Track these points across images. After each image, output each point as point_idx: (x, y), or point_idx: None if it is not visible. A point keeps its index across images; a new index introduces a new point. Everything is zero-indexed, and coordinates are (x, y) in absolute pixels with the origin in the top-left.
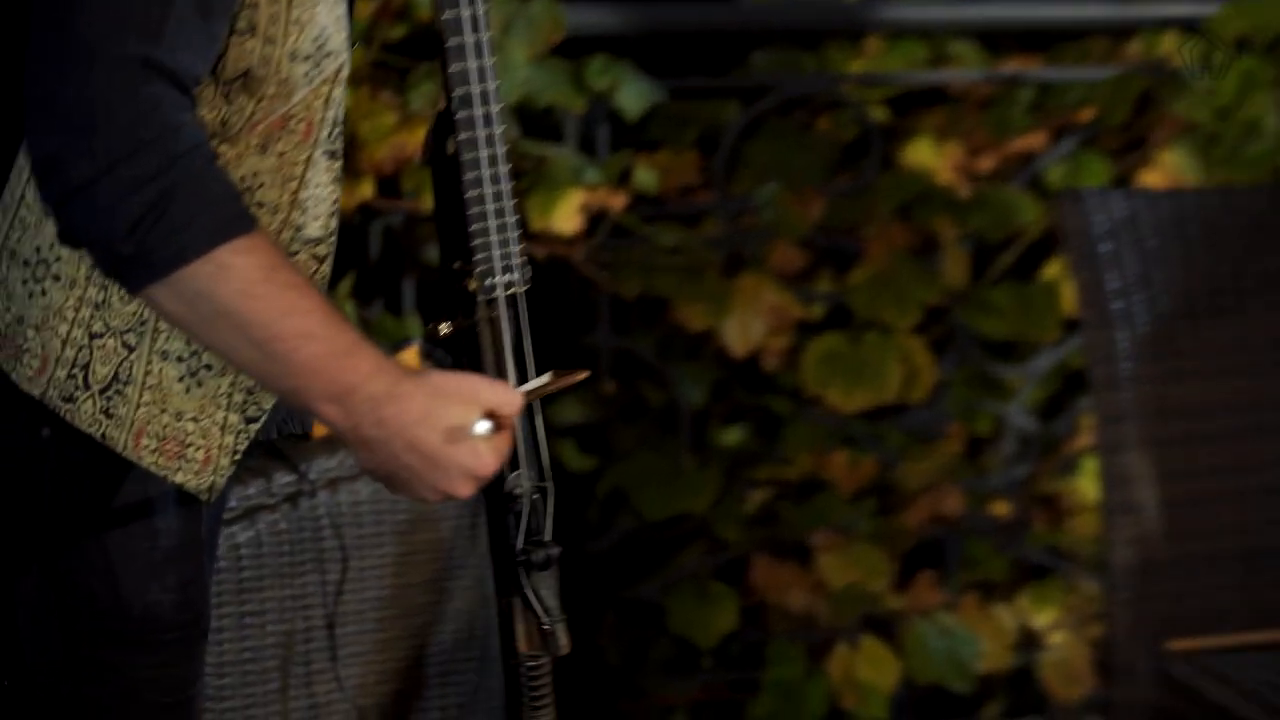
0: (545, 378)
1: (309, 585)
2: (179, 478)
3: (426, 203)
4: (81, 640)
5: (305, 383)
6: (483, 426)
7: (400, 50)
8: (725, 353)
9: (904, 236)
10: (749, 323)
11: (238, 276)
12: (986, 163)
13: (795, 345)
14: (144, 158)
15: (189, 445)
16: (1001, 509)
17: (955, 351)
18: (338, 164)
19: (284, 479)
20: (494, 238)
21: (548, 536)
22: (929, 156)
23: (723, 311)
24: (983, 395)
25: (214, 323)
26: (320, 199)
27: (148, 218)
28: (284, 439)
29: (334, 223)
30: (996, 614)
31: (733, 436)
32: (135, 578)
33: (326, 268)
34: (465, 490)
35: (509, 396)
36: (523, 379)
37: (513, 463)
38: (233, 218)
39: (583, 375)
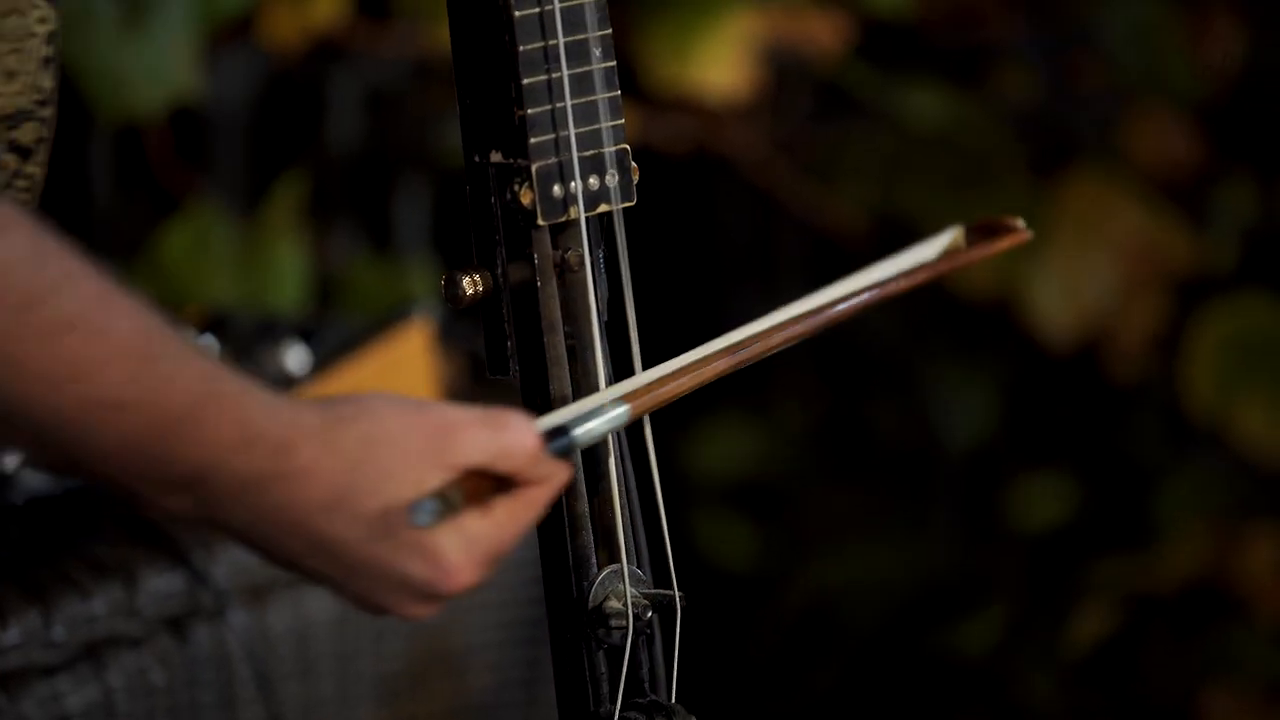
0: (665, 371)
1: None
2: None
3: (438, 37)
4: None
5: (120, 469)
6: (428, 508)
7: None
8: (1029, 339)
9: None
10: (1081, 283)
11: None
12: None
13: (1174, 325)
14: None
15: None
16: None
17: None
18: None
19: (162, 587)
20: (569, 105)
21: (670, 696)
22: None
23: (1029, 262)
24: None
25: None
26: (14, 36)
27: None
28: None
29: (48, 78)
30: None
31: (1045, 504)
32: None
33: (35, 170)
34: (418, 612)
35: (525, 439)
36: (620, 375)
37: (594, 553)
38: None
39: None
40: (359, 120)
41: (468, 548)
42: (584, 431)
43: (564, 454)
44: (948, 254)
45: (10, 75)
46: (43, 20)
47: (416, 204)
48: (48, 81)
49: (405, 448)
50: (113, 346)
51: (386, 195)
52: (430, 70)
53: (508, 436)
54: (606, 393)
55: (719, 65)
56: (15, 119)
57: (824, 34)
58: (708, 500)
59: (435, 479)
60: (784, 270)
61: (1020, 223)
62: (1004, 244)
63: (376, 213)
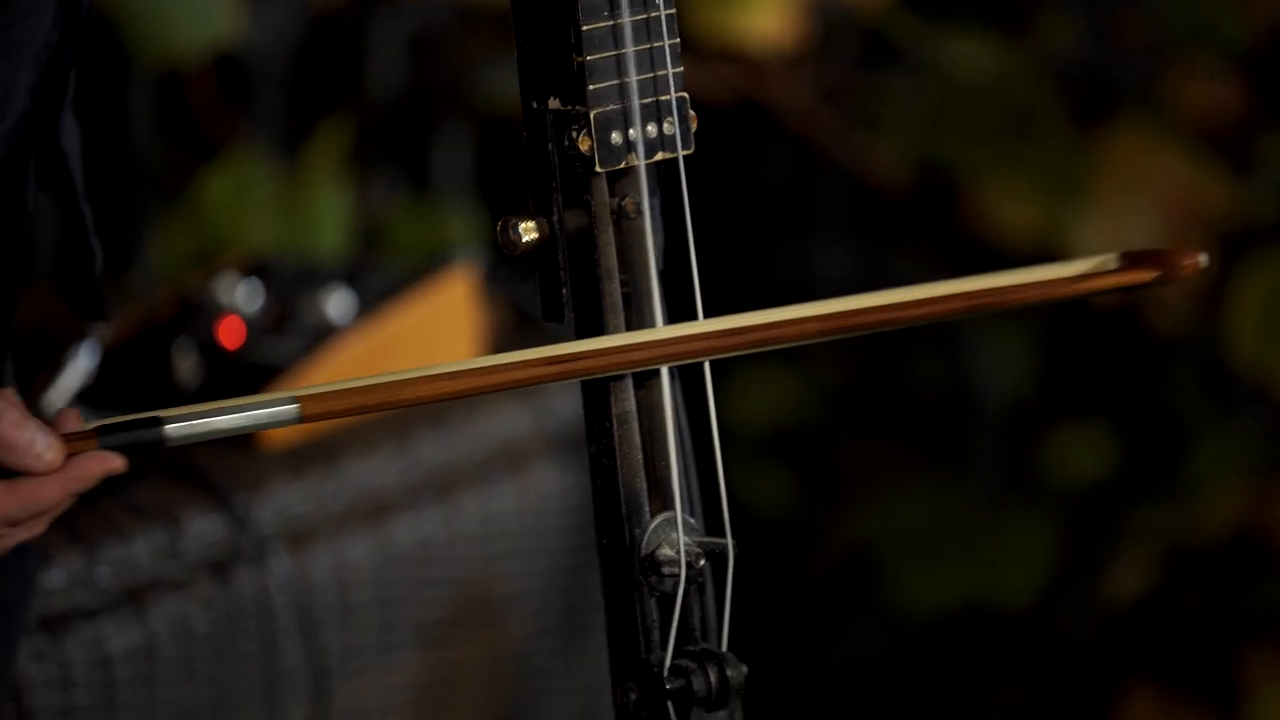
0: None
1: None
2: None
3: None
4: None
5: None
6: None
7: None
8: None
9: None
10: (1123, 234)
11: None
12: None
13: (1216, 277)
14: None
15: None
16: None
17: None
18: None
19: (205, 529)
20: (630, 52)
21: (722, 645)
22: None
23: (1071, 212)
24: None
25: None
26: None
27: None
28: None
29: None
30: None
31: (1083, 456)
32: None
33: None
34: None
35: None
36: (684, 313)
37: (647, 501)
38: None
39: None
40: (400, 65)
41: None
42: (116, 439)
43: (120, 449)
44: (1098, 273)
45: None
46: None
47: (458, 150)
48: None
49: None
50: None
51: (427, 141)
52: (472, 15)
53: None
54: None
55: (762, 13)
56: None
57: None
58: (747, 449)
59: None
60: (826, 220)
61: (1202, 258)
62: (1181, 269)
63: (418, 159)
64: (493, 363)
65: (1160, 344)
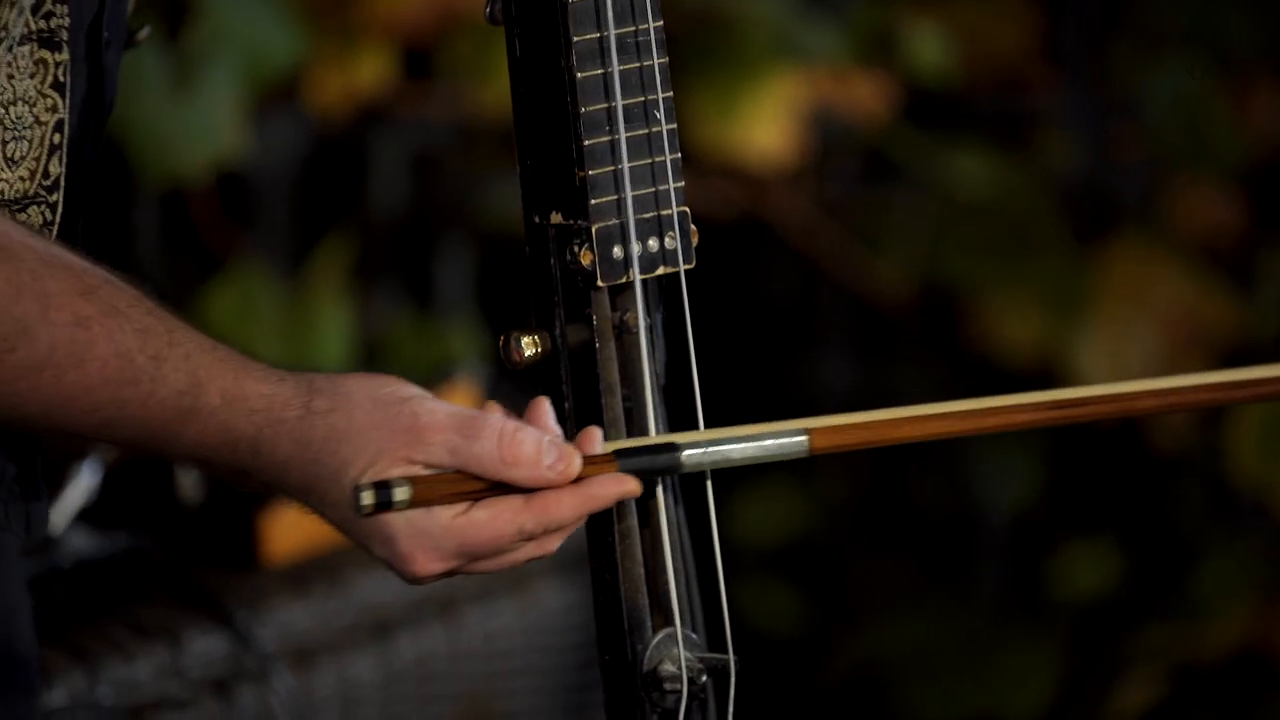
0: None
1: None
2: None
3: (491, 97)
4: None
5: (140, 450)
6: (362, 498)
7: None
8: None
9: None
10: (1125, 350)
11: None
12: None
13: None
14: None
15: None
16: None
17: None
18: (60, 57)
19: (207, 647)
20: (625, 168)
21: None
22: None
23: (1072, 328)
24: None
25: None
26: (20, 125)
27: None
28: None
29: (56, 164)
30: None
31: (1088, 572)
32: None
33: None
34: (414, 579)
35: (491, 448)
36: (686, 427)
37: (649, 616)
38: None
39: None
40: (402, 182)
41: (418, 538)
42: (634, 463)
43: (636, 473)
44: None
45: (14, 162)
46: (52, 109)
47: (459, 265)
48: (55, 168)
49: (365, 443)
50: (88, 377)
51: (429, 257)
52: (473, 133)
53: (476, 445)
54: (784, 424)
55: (764, 129)
56: (21, 203)
57: (869, 99)
58: (751, 565)
59: (395, 473)
60: (828, 335)
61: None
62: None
63: (420, 274)
64: (994, 404)
65: (1163, 461)
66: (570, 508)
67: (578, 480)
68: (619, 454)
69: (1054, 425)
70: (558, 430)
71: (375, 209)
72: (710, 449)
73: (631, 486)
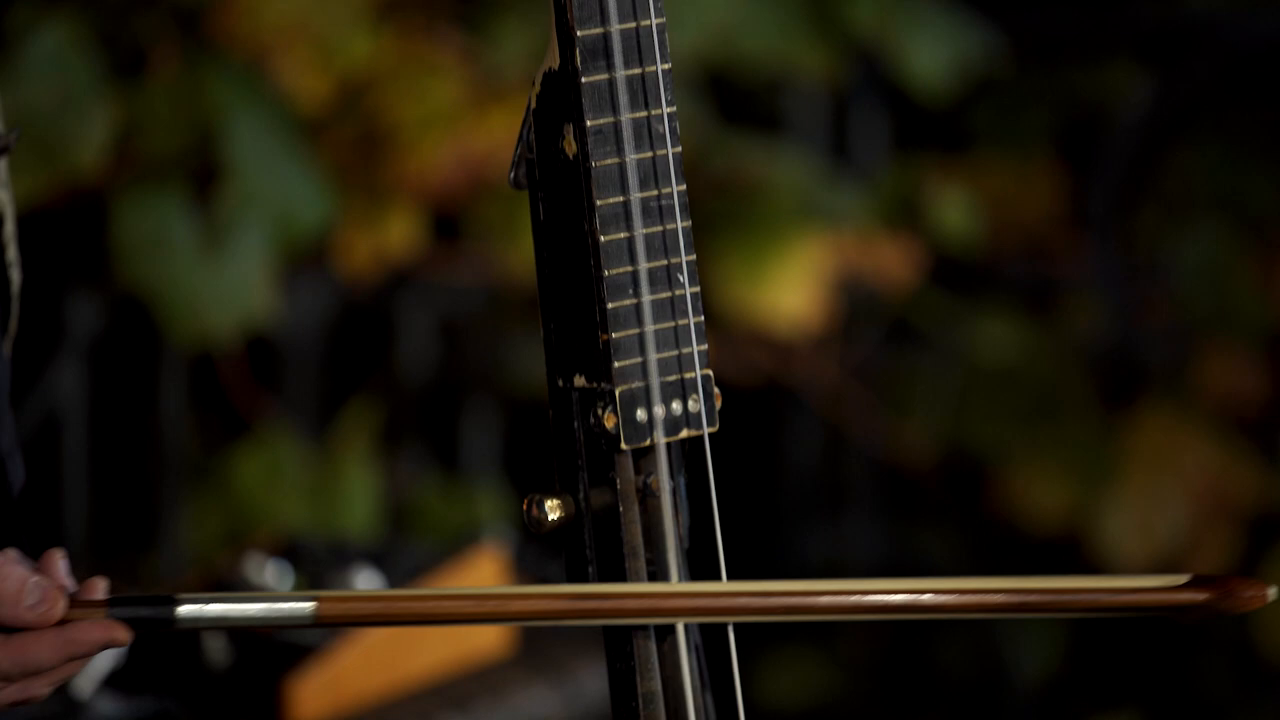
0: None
1: None
2: None
3: (518, 261)
4: None
5: None
6: None
7: None
8: (1100, 574)
9: None
10: (1152, 518)
11: None
12: None
13: (1246, 561)
14: None
15: None
16: None
17: None
18: None
19: None
20: (650, 331)
21: None
22: None
23: (1100, 496)
24: None
25: None
26: None
27: None
28: None
29: None
30: None
31: None
32: None
33: None
34: None
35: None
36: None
37: None
38: None
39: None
40: (429, 345)
41: None
42: (126, 611)
43: (129, 622)
44: (1162, 589)
45: None
46: None
47: (486, 429)
48: None
49: None
50: None
51: (456, 421)
52: (500, 297)
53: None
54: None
55: (790, 293)
56: None
57: (895, 264)
58: None
59: None
60: (853, 501)
61: (1271, 591)
62: (1245, 599)
63: (446, 437)
64: (516, 591)
65: (1189, 630)
66: (49, 650)
67: (62, 624)
68: (111, 601)
69: (562, 617)
70: (69, 581)
71: (402, 371)
72: (209, 606)
73: (119, 635)
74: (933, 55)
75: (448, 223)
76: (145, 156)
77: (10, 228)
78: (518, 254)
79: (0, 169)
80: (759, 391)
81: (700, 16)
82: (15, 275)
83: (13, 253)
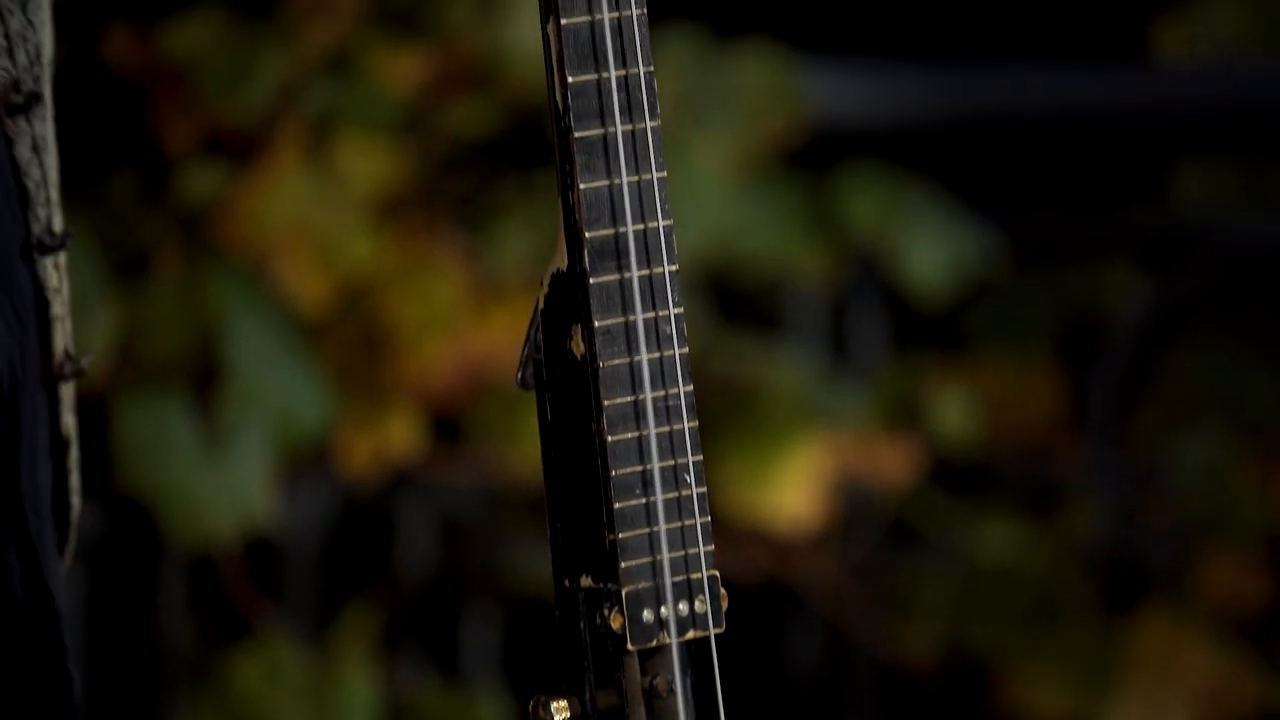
0: None
1: None
2: None
3: (518, 461)
4: None
5: None
6: None
7: (470, 161)
8: None
9: None
10: (1156, 717)
11: None
12: None
13: None
14: None
15: None
16: None
17: None
18: None
19: None
20: (661, 530)
21: None
22: None
23: (1102, 691)
24: None
25: None
26: None
27: None
28: None
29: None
30: None
31: None
32: None
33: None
34: None
35: None
36: None
37: None
38: None
39: None
40: (430, 547)
41: None
42: None
43: None
44: None
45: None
46: None
47: (487, 631)
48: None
49: None
50: None
51: (456, 622)
52: (501, 498)
53: None
54: None
55: (789, 494)
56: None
57: (894, 464)
58: None
59: None
60: (853, 703)
61: None
62: None
63: (447, 640)
64: None
65: None
66: None
67: None
68: None
69: None
70: None
71: (403, 574)
72: None
73: None
74: (931, 257)
75: (448, 423)
76: (147, 359)
77: (75, 454)
78: (518, 454)
79: (59, 268)
80: (759, 590)
81: (700, 218)
82: (76, 502)
83: (75, 479)
